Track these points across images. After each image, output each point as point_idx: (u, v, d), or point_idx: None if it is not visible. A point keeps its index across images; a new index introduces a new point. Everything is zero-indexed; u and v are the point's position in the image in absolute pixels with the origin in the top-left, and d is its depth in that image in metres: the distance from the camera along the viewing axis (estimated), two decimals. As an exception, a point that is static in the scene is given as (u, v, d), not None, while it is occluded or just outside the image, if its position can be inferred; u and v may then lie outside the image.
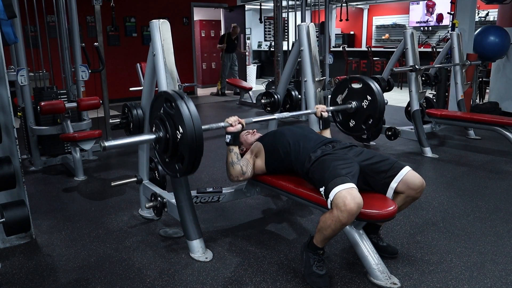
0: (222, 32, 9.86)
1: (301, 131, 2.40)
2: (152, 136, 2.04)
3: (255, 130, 2.65)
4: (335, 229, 1.89)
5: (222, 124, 2.23)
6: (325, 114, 2.66)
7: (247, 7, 12.16)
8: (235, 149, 2.29)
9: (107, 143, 1.88)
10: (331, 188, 1.88)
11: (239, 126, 2.25)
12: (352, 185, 1.88)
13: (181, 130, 1.92)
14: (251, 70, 10.94)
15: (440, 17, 10.67)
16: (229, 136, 2.25)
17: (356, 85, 2.86)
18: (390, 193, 2.08)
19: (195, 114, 1.92)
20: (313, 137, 2.30)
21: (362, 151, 2.20)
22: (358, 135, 2.88)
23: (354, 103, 2.82)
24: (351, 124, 2.91)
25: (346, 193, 1.83)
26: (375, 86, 2.76)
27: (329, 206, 1.90)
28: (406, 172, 2.07)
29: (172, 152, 2.02)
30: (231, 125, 2.23)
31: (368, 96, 2.77)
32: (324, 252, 2.06)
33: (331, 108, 2.87)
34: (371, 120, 2.78)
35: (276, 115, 2.55)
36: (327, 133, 2.69)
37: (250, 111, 7.28)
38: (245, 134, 2.64)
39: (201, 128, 1.93)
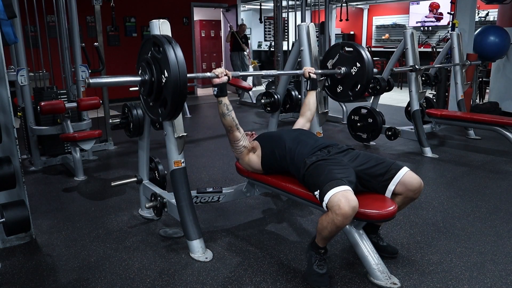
0: (222, 32, 9.85)
1: (298, 134, 2.40)
2: (138, 78, 2.07)
3: (254, 132, 2.66)
4: (331, 231, 1.90)
5: (208, 74, 2.26)
6: (313, 76, 2.73)
7: (247, 7, 12.18)
8: (224, 99, 2.30)
9: (91, 80, 1.90)
10: (326, 191, 1.88)
11: (225, 78, 2.27)
12: (347, 187, 1.88)
13: (166, 74, 1.94)
14: (251, 70, 10.94)
15: (440, 16, 10.67)
16: (216, 88, 2.28)
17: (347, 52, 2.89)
18: (388, 195, 2.08)
19: (181, 59, 1.94)
20: (309, 142, 2.29)
21: (358, 155, 2.19)
22: (344, 101, 2.92)
23: (343, 69, 2.85)
24: (338, 90, 2.94)
25: (341, 196, 1.83)
26: (365, 53, 2.78)
27: (324, 209, 1.90)
28: (404, 174, 2.06)
29: (156, 96, 2.04)
30: (217, 76, 2.25)
31: (357, 63, 2.79)
32: (326, 252, 2.06)
33: (320, 71, 2.90)
34: (358, 87, 2.80)
35: (263, 72, 2.59)
36: (313, 95, 2.77)
37: (250, 111, 7.28)
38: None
39: (186, 74, 1.94)
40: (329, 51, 3.02)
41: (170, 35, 2.32)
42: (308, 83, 2.77)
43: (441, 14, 10.60)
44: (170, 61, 1.90)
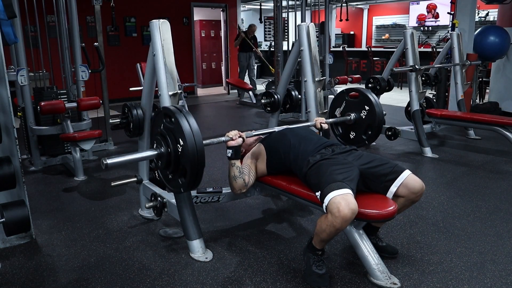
0: (222, 32, 9.81)
1: (302, 132, 2.40)
2: (154, 152, 2.06)
3: (254, 130, 2.65)
4: (330, 233, 1.90)
5: (223, 138, 2.23)
6: (324, 126, 2.65)
7: (247, 7, 12.18)
8: (237, 163, 2.28)
9: (109, 161, 1.91)
10: (326, 193, 1.89)
11: (240, 140, 2.24)
12: (348, 190, 1.88)
13: (181, 143, 1.94)
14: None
15: (436, 15, 10.67)
16: (231, 151, 2.24)
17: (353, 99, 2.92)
18: (390, 196, 2.08)
19: (195, 127, 1.95)
20: (313, 139, 2.29)
21: (361, 155, 2.20)
22: (359, 146, 2.91)
23: (353, 115, 2.87)
24: (351, 136, 2.95)
25: (341, 199, 1.83)
26: (372, 96, 2.81)
27: (324, 210, 1.90)
28: (406, 176, 2.06)
29: (174, 167, 2.03)
30: (231, 139, 2.22)
31: (366, 107, 2.82)
32: (324, 253, 2.06)
33: (331, 120, 2.89)
34: (371, 130, 2.82)
35: (276, 128, 2.53)
36: None
37: (250, 111, 7.28)
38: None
39: (202, 141, 1.95)
40: (335, 100, 3.04)
41: (170, 35, 2.33)
42: (320, 134, 2.66)
43: (437, 15, 10.61)
44: (184, 130, 1.92)
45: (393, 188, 2.06)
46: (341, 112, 2.94)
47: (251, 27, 8.80)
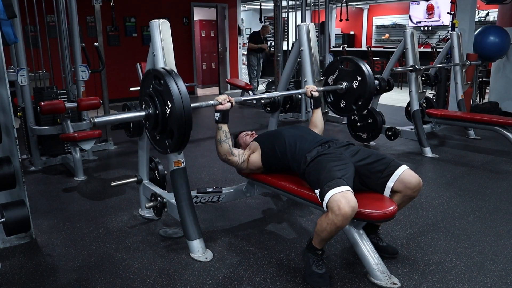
0: (215, 32, 9.70)
1: (298, 131, 2.41)
2: (142, 113, 2.07)
3: (254, 132, 2.66)
4: (330, 231, 1.90)
5: (211, 102, 2.25)
6: (315, 94, 2.70)
7: (247, 7, 12.18)
8: (224, 127, 2.29)
9: (97, 119, 1.90)
10: (326, 191, 1.89)
11: (228, 105, 2.26)
12: (347, 188, 1.88)
13: (169, 105, 1.94)
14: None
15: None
16: (218, 114, 2.27)
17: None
18: (387, 192, 2.08)
19: (183, 89, 1.95)
20: (309, 137, 2.30)
21: (358, 150, 2.20)
22: (348, 115, 2.94)
23: (344, 84, 2.86)
24: (341, 105, 2.94)
25: (341, 197, 1.83)
26: (365, 67, 2.79)
27: (324, 208, 1.91)
28: (403, 171, 2.06)
29: (162, 128, 2.04)
30: (220, 103, 2.25)
31: (358, 77, 2.80)
32: (324, 253, 2.06)
33: (322, 88, 2.89)
34: (361, 101, 2.81)
35: (266, 94, 2.58)
36: (318, 113, 2.73)
37: (250, 111, 7.28)
38: (244, 136, 2.66)
39: (189, 103, 1.95)
40: (329, 68, 3.03)
41: (170, 35, 2.33)
42: (311, 101, 2.73)
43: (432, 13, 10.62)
44: (172, 92, 1.91)
45: (390, 184, 2.06)
46: (334, 80, 2.94)
47: (266, 28, 8.75)
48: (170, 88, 1.92)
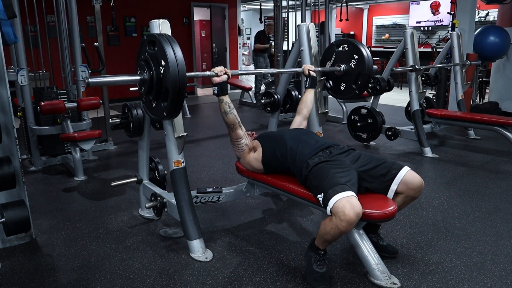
0: (209, 32, 9.62)
1: (299, 134, 2.40)
2: (137, 77, 2.09)
3: (254, 132, 2.66)
4: (334, 235, 1.90)
5: (208, 73, 2.26)
6: (312, 73, 2.74)
7: (247, 7, 12.18)
8: (225, 98, 2.30)
9: (91, 80, 1.91)
10: (330, 196, 1.88)
11: (225, 77, 2.27)
12: (352, 193, 1.88)
13: (163, 64, 1.96)
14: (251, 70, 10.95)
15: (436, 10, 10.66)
16: (217, 88, 2.27)
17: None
18: (390, 195, 2.08)
19: (178, 50, 1.97)
20: (311, 142, 2.29)
21: (359, 155, 2.19)
22: (350, 97, 2.93)
23: (342, 66, 2.87)
24: (342, 88, 2.94)
25: (346, 202, 1.83)
26: (360, 45, 2.81)
27: (328, 213, 1.90)
28: (405, 173, 2.06)
29: (157, 91, 2.05)
30: (216, 74, 2.25)
31: (355, 55, 2.81)
32: (326, 253, 2.07)
33: (320, 68, 2.92)
34: (361, 79, 2.81)
35: (263, 70, 2.62)
36: (311, 93, 2.77)
37: (250, 111, 7.29)
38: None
39: (183, 61, 1.96)
40: (325, 53, 3.04)
41: (170, 35, 2.32)
42: (308, 80, 2.77)
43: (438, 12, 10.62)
44: (166, 52, 1.94)
45: (393, 187, 2.06)
46: (332, 64, 2.95)
47: (271, 26, 8.67)
48: (164, 49, 1.94)
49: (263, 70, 2.73)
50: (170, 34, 2.31)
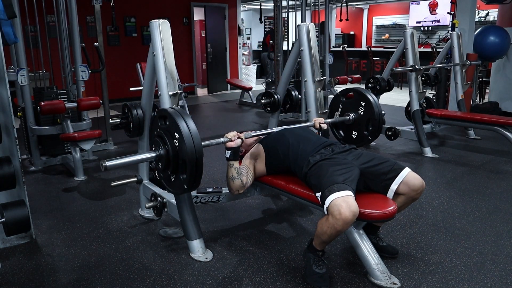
0: (203, 32, 9.54)
1: (301, 132, 2.40)
2: (153, 154, 2.08)
3: (253, 131, 2.65)
4: (330, 235, 1.90)
5: (221, 139, 2.22)
6: (323, 126, 2.65)
7: (247, 7, 12.17)
8: (235, 163, 2.27)
9: (108, 163, 1.90)
10: (327, 195, 1.89)
11: (239, 141, 2.24)
12: (349, 192, 1.88)
13: (177, 137, 1.97)
14: (251, 70, 10.94)
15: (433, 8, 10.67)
16: (229, 152, 2.24)
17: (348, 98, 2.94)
18: (390, 195, 2.08)
19: (190, 121, 1.98)
20: (312, 139, 2.29)
21: (361, 153, 2.20)
22: (363, 144, 2.93)
23: (351, 114, 2.88)
24: (354, 136, 2.94)
25: (342, 201, 1.83)
26: (366, 91, 2.82)
27: (325, 212, 1.90)
28: (407, 174, 2.07)
29: (174, 164, 2.04)
30: (230, 140, 2.22)
31: (362, 103, 2.82)
32: (324, 253, 2.06)
33: (330, 120, 2.89)
34: (372, 125, 2.81)
35: (275, 129, 2.53)
36: None
37: (250, 111, 7.29)
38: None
39: (197, 132, 1.97)
40: (332, 104, 3.04)
41: (170, 35, 2.33)
42: (320, 133, 2.67)
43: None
44: (179, 125, 1.95)
45: (393, 186, 2.06)
46: (340, 115, 2.95)
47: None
48: (176, 122, 1.96)
49: (275, 129, 2.59)
50: (170, 34, 2.32)
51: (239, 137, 2.24)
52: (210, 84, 9.32)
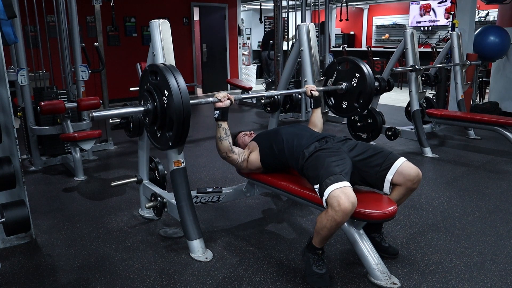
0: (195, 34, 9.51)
1: (295, 129, 2.42)
2: (141, 108, 2.09)
3: (252, 132, 2.66)
4: (330, 228, 1.90)
5: (211, 99, 2.26)
6: (315, 93, 2.71)
7: (247, 7, 12.17)
8: (224, 124, 2.30)
9: (95, 114, 1.92)
10: (325, 186, 1.89)
11: (228, 102, 2.27)
12: (347, 183, 1.88)
13: (167, 94, 1.97)
14: (251, 70, 10.94)
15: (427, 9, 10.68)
16: (218, 112, 2.27)
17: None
18: (387, 186, 2.08)
19: (180, 80, 1.99)
20: (306, 134, 2.31)
21: (355, 144, 2.21)
22: (352, 115, 2.95)
23: (344, 84, 2.88)
24: (343, 105, 2.96)
25: (340, 192, 1.83)
26: (362, 63, 2.82)
27: (324, 204, 1.91)
28: (401, 163, 2.07)
29: (161, 121, 2.05)
30: (220, 100, 2.25)
31: (356, 74, 2.82)
32: (324, 252, 2.06)
33: (322, 88, 2.91)
34: (362, 98, 2.82)
35: (266, 93, 2.60)
36: (318, 112, 2.75)
37: (250, 111, 7.28)
38: (242, 136, 2.66)
39: (186, 90, 1.98)
40: (327, 71, 3.05)
41: (170, 36, 2.33)
42: (311, 101, 2.74)
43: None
44: (169, 82, 1.94)
45: (389, 177, 2.06)
46: (333, 82, 2.96)
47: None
48: (166, 79, 1.95)
49: (266, 93, 2.69)
50: (170, 34, 2.32)
51: (228, 98, 2.28)
52: (205, 84, 9.31)
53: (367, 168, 2.10)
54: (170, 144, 2.07)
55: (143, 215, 2.87)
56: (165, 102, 2.00)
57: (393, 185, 2.08)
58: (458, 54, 4.94)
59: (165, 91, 1.98)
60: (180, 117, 1.96)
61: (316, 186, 1.97)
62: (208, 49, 9.21)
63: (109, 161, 4.30)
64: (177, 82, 1.96)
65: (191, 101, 2.01)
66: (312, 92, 2.70)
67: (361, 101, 2.83)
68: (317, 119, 2.74)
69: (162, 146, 2.15)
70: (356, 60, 2.84)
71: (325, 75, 3.03)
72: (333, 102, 3.01)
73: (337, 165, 1.99)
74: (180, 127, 1.98)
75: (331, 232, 1.93)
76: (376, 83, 2.96)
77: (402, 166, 2.06)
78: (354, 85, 2.83)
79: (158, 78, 2.04)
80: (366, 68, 2.78)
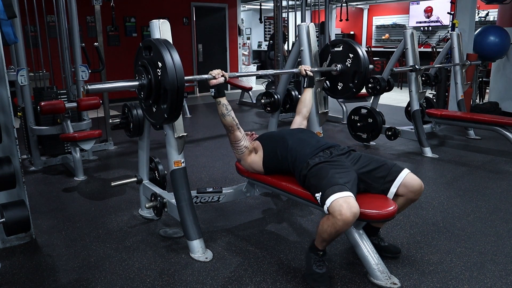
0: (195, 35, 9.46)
1: (300, 134, 2.40)
2: (136, 82, 2.11)
3: (253, 132, 2.66)
4: (330, 233, 1.90)
5: (205, 76, 2.29)
6: (309, 73, 2.78)
7: (247, 7, 12.18)
8: (223, 100, 2.32)
9: (90, 87, 1.96)
10: (328, 195, 1.88)
11: (222, 79, 2.30)
12: (349, 193, 1.88)
13: (160, 66, 1.99)
14: (251, 70, 10.94)
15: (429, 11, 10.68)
16: (213, 90, 2.30)
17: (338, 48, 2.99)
18: (390, 197, 2.08)
19: (173, 51, 2.01)
20: (311, 142, 2.29)
21: (359, 156, 2.20)
22: (347, 96, 2.98)
23: (339, 65, 2.92)
24: (339, 87, 3.00)
25: (343, 202, 1.83)
26: (355, 44, 2.86)
27: (325, 212, 1.90)
28: (405, 175, 2.07)
29: (156, 94, 2.07)
30: (214, 77, 2.27)
31: (350, 54, 2.86)
32: (325, 253, 2.06)
33: (316, 68, 2.96)
34: (357, 77, 2.85)
35: (260, 72, 2.64)
36: (309, 92, 2.80)
37: (250, 111, 7.28)
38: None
39: (180, 62, 2.00)
40: (321, 54, 3.08)
41: (170, 35, 2.33)
42: (305, 80, 2.80)
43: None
44: (163, 54, 1.97)
45: (393, 189, 2.06)
46: (328, 65, 3.01)
47: (285, 26, 8.63)
48: (160, 51, 1.98)
49: (260, 72, 2.77)
50: (170, 34, 2.32)
51: (222, 75, 2.30)
52: (200, 84, 9.27)
53: (371, 181, 2.10)
54: (166, 116, 2.08)
55: (143, 215, 2.87)
56: (159, 74, 2.02)
57: (395, 195, 2.08)
58: (458, 54, 4.95)
59: (159, 63, 2.00)
60: (174, 87, 1.97)
61: (318, 195, 1.97)
62: (208, 49, 9.20)
63: (109, 161, 4.30)
64: (171, 54, 1.98)
65: (185, 77, 2.03)
66: (306, 71, 2.77)
67: (356, 81, 2.87)
68: (307, 98, 2.79)
69: (158, 120, 2.17)
70: (349, 41, 2.90)
71: (320, 57, 3.09)
72: (329, 84, 3.06)
73: (341, 177, 1.98)
74: (175, 97, 1.99)
75: (332, 237, 1.93)
76: (371, 66, 2.98)
77: (406, 178, 2.06)
78: (348, 65, 2.88)
79: (152, 53, 2.07)
80: (359, 48, 2.83)
